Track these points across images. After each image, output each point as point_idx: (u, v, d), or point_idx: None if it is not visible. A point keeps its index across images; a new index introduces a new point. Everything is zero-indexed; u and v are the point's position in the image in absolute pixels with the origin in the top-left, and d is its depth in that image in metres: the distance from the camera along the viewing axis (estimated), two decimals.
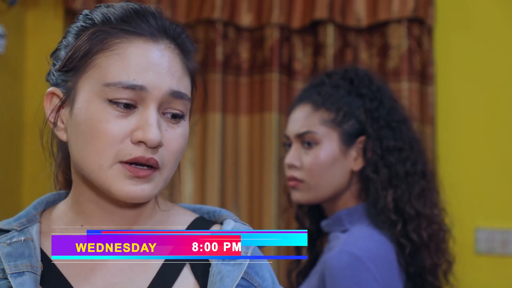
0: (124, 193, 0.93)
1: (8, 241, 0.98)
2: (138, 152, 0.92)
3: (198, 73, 1.03)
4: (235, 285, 0.94)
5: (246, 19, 2.59)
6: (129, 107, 0.93)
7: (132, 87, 0.92)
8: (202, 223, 1.04)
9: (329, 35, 2.50)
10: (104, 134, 0.92)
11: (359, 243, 1.51)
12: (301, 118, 1.64)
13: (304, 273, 1.71)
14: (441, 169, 2.19)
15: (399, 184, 1.59)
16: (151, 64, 0.94)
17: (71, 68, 0.97)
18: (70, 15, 2.64)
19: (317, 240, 1.73)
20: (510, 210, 2.41)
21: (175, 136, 0.96)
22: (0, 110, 2.56)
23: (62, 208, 1.04)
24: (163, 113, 0.95)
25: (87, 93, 0.94)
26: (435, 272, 1.59)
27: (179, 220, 1.04)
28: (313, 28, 2.55)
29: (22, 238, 0.98)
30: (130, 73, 0.93)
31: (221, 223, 1.04)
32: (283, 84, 2.55)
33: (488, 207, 2.42)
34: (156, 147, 0.93)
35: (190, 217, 1.05)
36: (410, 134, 1.66)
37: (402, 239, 1.56)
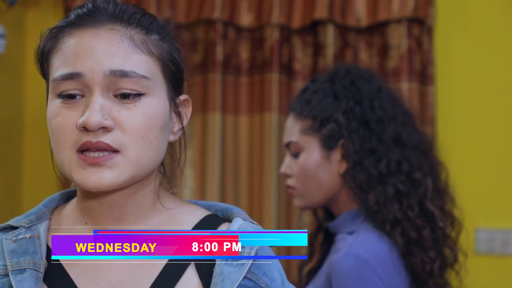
0: (85, 182, 0.92)
1: (14, 238, 0.98)
2: (86, 137, 0.92)
3: (175, 51, 1.00)
4: (235, 287, 0.93)
5: (246, 19, 2.59)
6: (76, 97, 0.94)
7: (70, 77, 0.93)
8: (212, 220, 1.03)
9: (329, 35, 2.50)
10: (57, 128, 0.93)
11: (365, 246, 1.51)
12: (288, 128, 1.68)
13: (314, 271, 1.70)
14: None
15: (375, 187, 1.57)
16: (85, 49, 0.94)
17: (42, 74, 1.01)
18: None
19: (331, 237, 1.72)
20: (510, 210, 2.41)
21: (133, 115, 0.93)
22: (0, 110, 2.56)
23: (70, 206, 1.04)
24: (115, 96, 0.94)
25: (49, 94, 0.97)
26: (425, 270, 1.57)
27: (186, 218, 1.02)
28: (313, 28, 2.55)
29: (28, 235, 0.98)
30: (68, 63, 0.94)
31: (231, 221, 1.02)
32: (283, 84, 2.55)
33: (488, 207, 2.42)
34: (103, 129, 0.91)
35: (200, 215, 1.04)
36: (394, 132, 1.61)
37: (395, 240, 1.55)
